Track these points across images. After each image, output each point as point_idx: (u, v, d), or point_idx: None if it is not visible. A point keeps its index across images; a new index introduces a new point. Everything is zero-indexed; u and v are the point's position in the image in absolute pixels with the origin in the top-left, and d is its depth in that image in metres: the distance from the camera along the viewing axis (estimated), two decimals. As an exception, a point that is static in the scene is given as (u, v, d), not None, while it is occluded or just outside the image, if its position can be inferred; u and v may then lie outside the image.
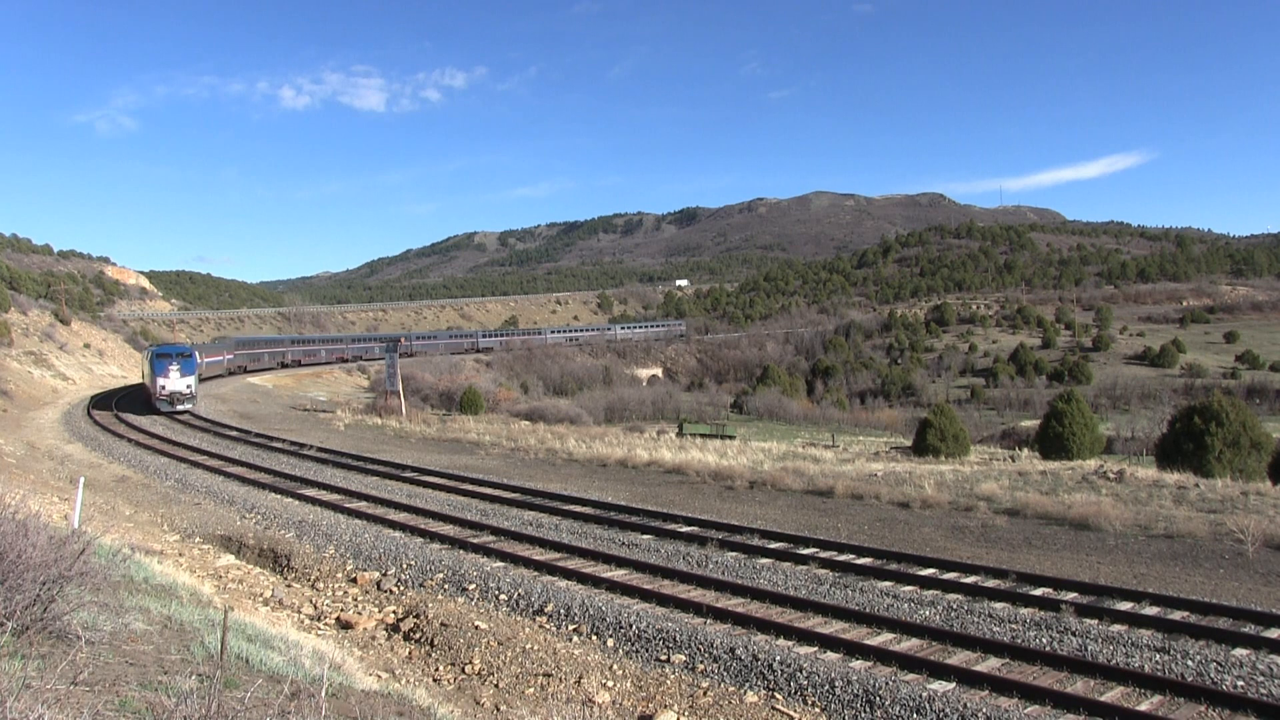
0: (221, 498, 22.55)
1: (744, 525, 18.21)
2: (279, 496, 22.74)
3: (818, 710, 9.93)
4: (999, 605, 13.03)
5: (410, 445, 34.88)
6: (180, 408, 43.37)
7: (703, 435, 44.29)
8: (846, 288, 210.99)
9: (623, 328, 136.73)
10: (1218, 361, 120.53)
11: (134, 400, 53.31)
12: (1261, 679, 10.24)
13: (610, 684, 10.84)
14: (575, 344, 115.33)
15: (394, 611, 13.80)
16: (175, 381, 43.56)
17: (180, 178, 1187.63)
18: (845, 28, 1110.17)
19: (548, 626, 12.82)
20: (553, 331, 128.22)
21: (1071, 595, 13.40)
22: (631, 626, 12.32)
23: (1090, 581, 14.09)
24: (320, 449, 31.58)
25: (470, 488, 23.74)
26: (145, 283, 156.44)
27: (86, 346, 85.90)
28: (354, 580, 15.65)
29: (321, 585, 15.60)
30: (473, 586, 14.56)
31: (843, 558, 15.74)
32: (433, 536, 18.04)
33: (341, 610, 14.10)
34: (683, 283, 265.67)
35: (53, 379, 67.12)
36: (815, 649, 11.41)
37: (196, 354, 48.36)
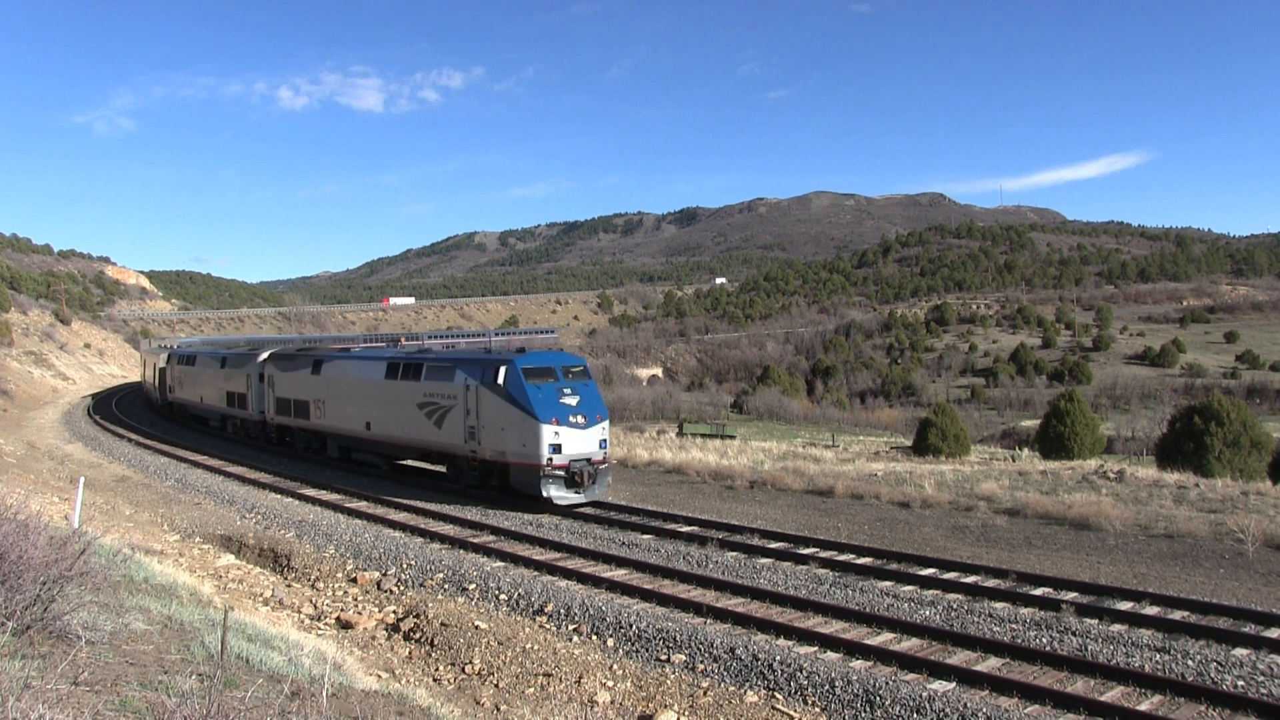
0: (222, 497, 22.54)
1: (744, 525, 18.21)
2: (279, 496, 22.73)
3: (818, 710, 9.93)
4: (999, 605, 13.02)
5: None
6: (586, 496, 19.83)
7: (703, 435, 44.30)
8: (846, 288, 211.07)
9: (496, 333, 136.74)
10: (1218, 361, 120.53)
11: (136, 404, 53.10)
12: (1262, 679, 10.24)
13: (610, 684, 10.84)
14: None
15: (394, 611, 13.80)
16: (580, 438, 19.64)
17: (179, 178, 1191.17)
18: (843, 28, 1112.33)
19: (548, 626, 12.82)
20: (430, 336, 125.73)
21: (1072, 595, 13.40)
22: (632, 626, 12.31)
23: (1090, 581, 14.09)
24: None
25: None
26: (145, 283, 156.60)
27: (87, 346, 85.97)
28: (354, 580, 15.64)
29: (322, 585, 15.59)
30: (473, 586, 14.56)
31: (843, 557, 15.73)
32: (433, 536, 18.04)
33: (342, 610, 14.10)
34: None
35: (53, 379, 67.17)
36: (815, 649, 11.41)
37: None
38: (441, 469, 23.50)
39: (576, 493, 19.65)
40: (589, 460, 19.81)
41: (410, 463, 25.45)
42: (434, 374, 22.43)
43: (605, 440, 20.44)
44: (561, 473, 19.38)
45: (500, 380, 20.02)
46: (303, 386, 28.45)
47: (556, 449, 19.29)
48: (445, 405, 21.69)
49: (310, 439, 28.70)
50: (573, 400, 19.82)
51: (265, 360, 31.48)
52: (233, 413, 34.27)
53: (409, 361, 24.00)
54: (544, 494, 19.34)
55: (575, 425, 19.55)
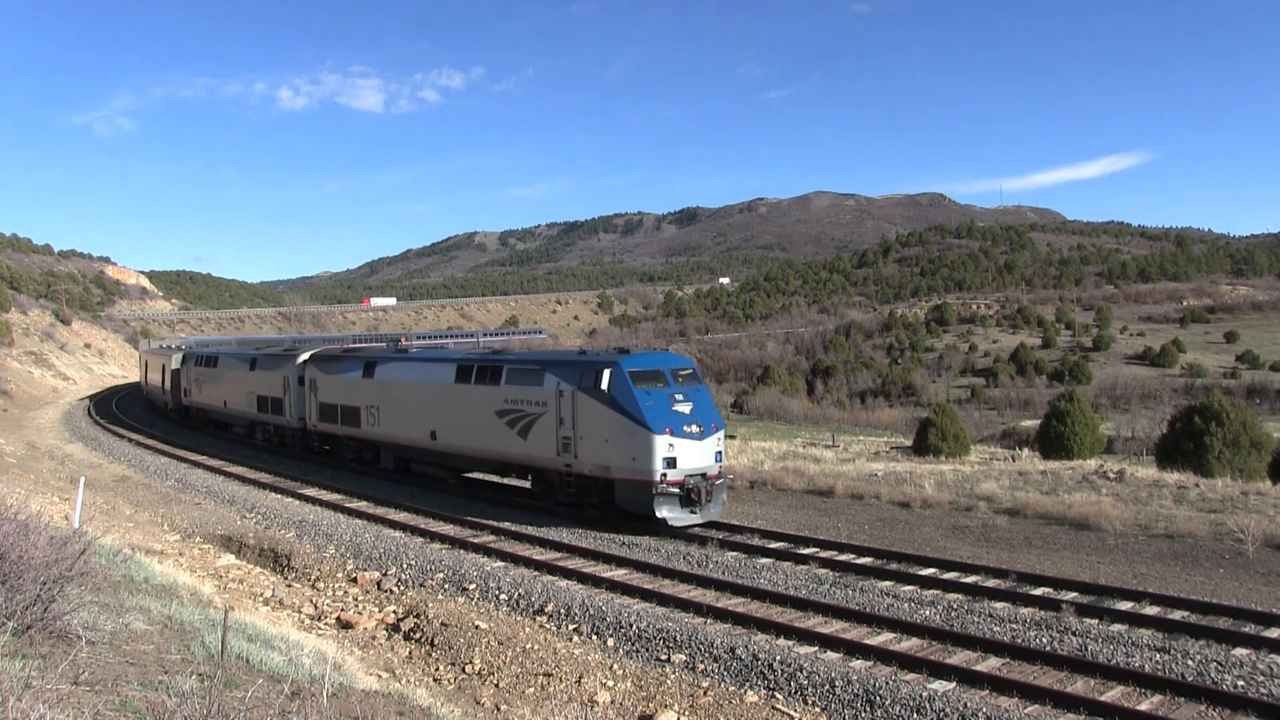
0: (222, 497, 22.55)
1: (744, 525, 18.20)
2: (279, 496, 22.74)
3: (818, 710, 9.93)
4: (999, 605, 13.03)
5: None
6: (702, 515, 17.61)
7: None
8: (847, 288, 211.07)
9: (486, 334, 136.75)
10: (1218, 361, 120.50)
11: (132, 404, 52.98)
12: (1262, 679, 10.24)
13: (610, 684, 10.84)
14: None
15: (394, 611, 13.81)
16: (695, 450, 17.52)
17: (179, 178, 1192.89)
18: (843, 28, 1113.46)
19: (548, 626, 12.82)
20: (419, 336, 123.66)
21: (1072, 595, 13.40)
22: (632, 626, 12.32)
23: (1090, 581, 14.10)
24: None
25: (469, 488, 23.70)
26: (145, 282, 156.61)
27: (87, 346, 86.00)
28: (354, 580, 15.65)
29: (322, 585, 15.60)
30: (473, 586, 14.56)
31: (843, 557, 15.74)
32: (433, 536, 18.04)
33: (342, 610, 14.10)
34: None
35: (53, 379, 67.21)
36: (815, 649, 11.41)
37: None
38: (523, 483, 21.25)
39: (692, 512, 17.37)
40: (704, 475, 17.51)
41: (479, 475, 23.25)
42: (517, 377, 20.04)
43: (721, 452, 18.20)
44: (676, 490, 17.12)
45: (604, 385, 17.74)
46: (352, 391, 25.81)
47: (670, 463, 17.02)
48: (532, 413, 19.32)
49: (361, 449, 26.20)
50: (686, 407, 17.64)
51: (306, 361, 28.76)
52: (264, 419, 31.52)
53: (485, 363, 21.56)
54: (657, 514, 17.09)
55: (690, 435, 17.34)
